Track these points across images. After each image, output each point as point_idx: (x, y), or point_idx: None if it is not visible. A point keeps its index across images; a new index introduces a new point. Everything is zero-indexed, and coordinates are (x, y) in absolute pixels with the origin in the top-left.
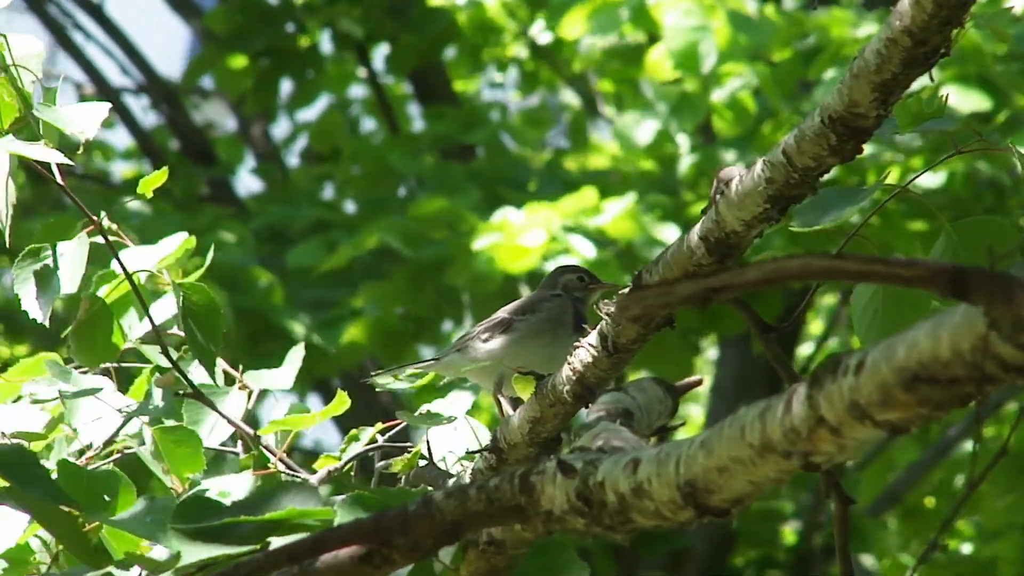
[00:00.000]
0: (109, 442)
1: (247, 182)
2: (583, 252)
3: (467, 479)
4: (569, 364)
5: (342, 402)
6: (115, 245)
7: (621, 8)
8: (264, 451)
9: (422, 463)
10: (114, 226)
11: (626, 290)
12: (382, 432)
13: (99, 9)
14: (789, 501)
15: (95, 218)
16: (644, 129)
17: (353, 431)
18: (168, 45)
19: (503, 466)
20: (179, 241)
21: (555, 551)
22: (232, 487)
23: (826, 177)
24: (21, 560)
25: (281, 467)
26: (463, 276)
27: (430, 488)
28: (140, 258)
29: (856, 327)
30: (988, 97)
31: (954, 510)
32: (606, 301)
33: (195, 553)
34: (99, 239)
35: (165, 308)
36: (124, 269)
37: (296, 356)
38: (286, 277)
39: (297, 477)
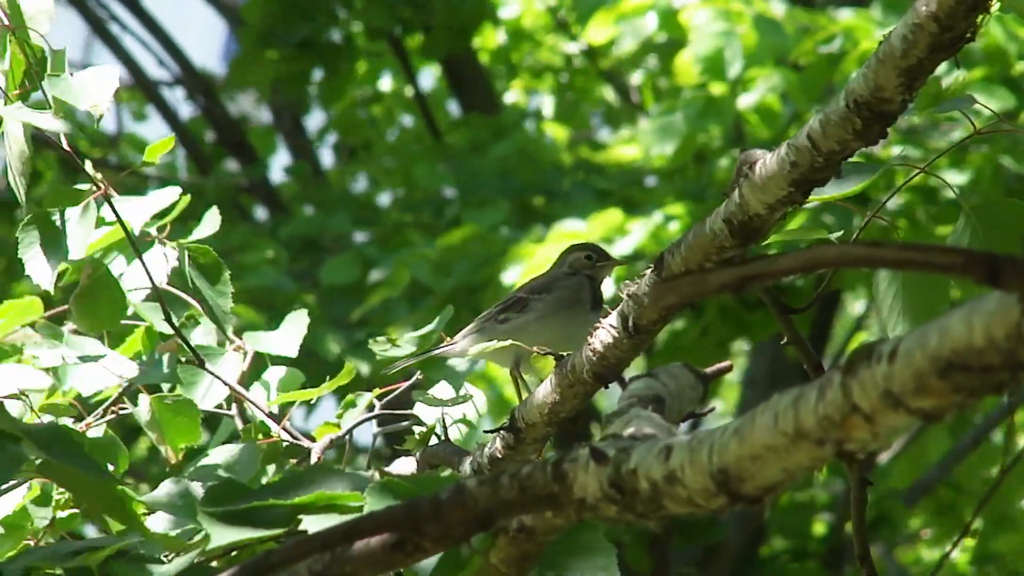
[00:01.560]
0: (108, 408)
1: (281, 168)
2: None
3: (483, 458)
4: (589, 345)
5: (349, 372)
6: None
7: (649, 13)
8: (266, 420)
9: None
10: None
11: (649, 271)
12: (379, 398)
13: (136, 1)
14: (823, 491)
15: (102, 184)
16: (670, 135)
17: (349, 396)
18: (204, 37)
19: (521, 445)
20: (173, 196)
21: (582, 532)
22: (235, 457)
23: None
24: (18, 526)
25: (284, 436)
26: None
27: (446, 467)
28: (137, 211)
29: (878, 309)
30: (1012, 96)
31: (984, 497)
32: (627, 282)
33: (224, 536)
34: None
35: (163, 266)
36: (124, 226)
37: (298, 320)
38: (319, 290)
39: (299, 444)
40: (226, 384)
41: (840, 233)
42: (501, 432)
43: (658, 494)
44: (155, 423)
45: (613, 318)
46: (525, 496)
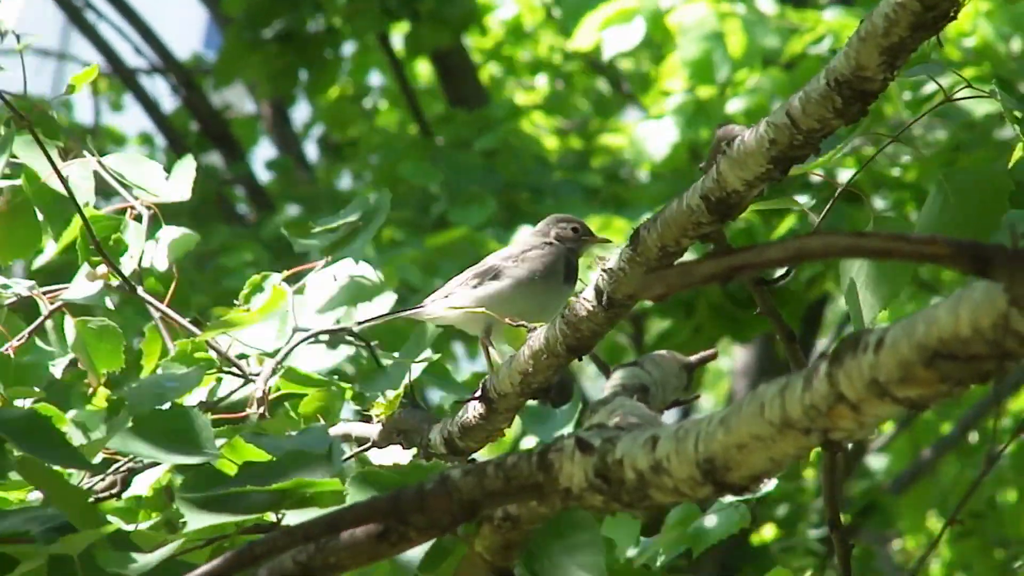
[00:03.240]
0: (34, 331)
1: (265, 163)
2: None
3: (453, 426)
4: (563, 317)
5: (280, 295)
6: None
7: (637, 17)
8: (209, 347)
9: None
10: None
11: (623, 245)
12: (288, 280)
13: None
14: (813, 481)
15: (23, 115)
16: (660, 140)
17: (255, 277)
18: (185, 24)
19: (493, 415)
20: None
21: (571, 515)
22: (181, 381)
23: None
24: None
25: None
26: None
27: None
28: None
29: (842, 283)
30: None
31: (972, 485)
32: (603, 256)
33: (201, 520)
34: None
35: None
36: (41, 145)
37: (186, 165)
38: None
39: (241, 373)
40: (158, 309)
41: (812, 203)
42: (472, 401)
43: (644, 484)
44: (80, 346)
45: (588, 291)
46: (510, 486)
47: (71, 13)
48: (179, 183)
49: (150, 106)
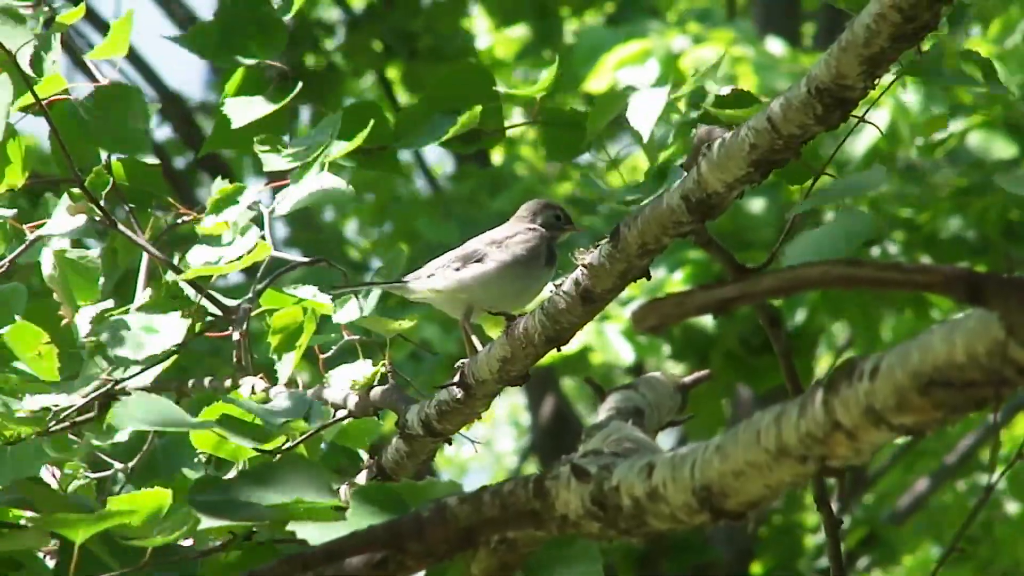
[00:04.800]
0: (12, 260)
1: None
2: (623, 356)
3: (431, 408)
4: (543, 309)
5: (265, 248)
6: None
7: (651, 59)
8: (186, 287)
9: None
10: None
11: (604, 241)
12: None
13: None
14: (812, 511)
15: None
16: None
17: (227, 188)
18: (185, 61)
19: (471, 400)
20: None
21: (567, 539)
22: (159, 325)
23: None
24: None
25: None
26: None
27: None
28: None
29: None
30: (1014, 143)
31: (972, 512)
32: (582, 250)
33: (213, 523)
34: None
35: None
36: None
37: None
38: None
39: (218, 314)
40: (140, 245)
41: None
42: (450, 387)
43: (641, 511)
44: (56, 279)
45: (568, 284)
46: (507, 513)
47: (72, 54)
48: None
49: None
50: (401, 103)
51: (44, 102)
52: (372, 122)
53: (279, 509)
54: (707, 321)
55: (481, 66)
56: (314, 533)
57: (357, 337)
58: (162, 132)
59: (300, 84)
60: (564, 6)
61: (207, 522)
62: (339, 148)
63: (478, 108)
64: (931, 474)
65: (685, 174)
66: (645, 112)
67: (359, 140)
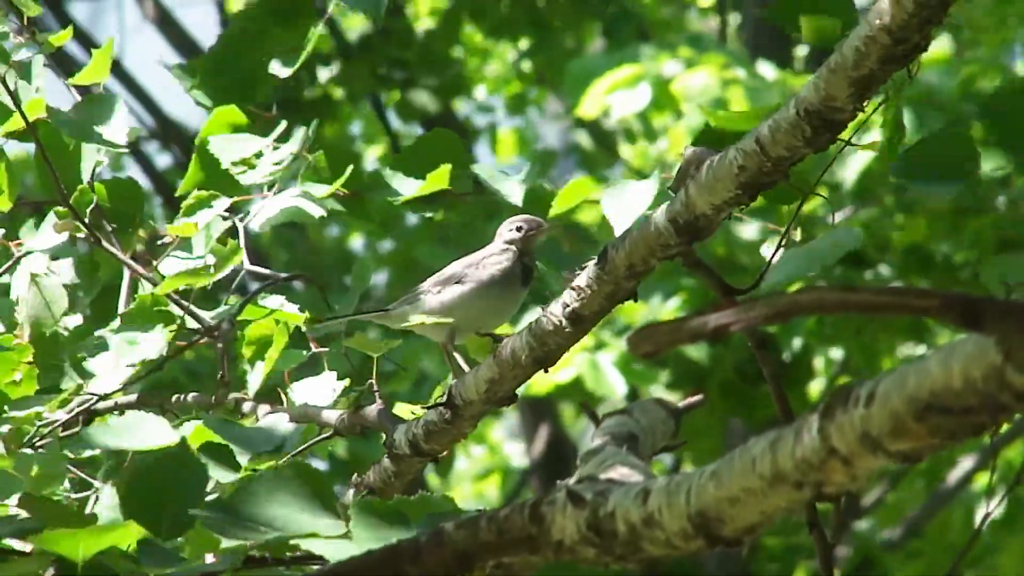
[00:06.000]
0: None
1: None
2: (616, 388)
3: (419, 428)
4: (530, 330)
5: (237, 252)
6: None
7: (642, 83)
8: (169, 299)
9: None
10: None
11: (592, 263)
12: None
13: (116, 62)
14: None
15: None
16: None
17: (201, 193)
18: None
19: (458, 420)
20: None
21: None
22: (141, 341)
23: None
24: None
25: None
26: None
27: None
28: None
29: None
30: (1006, 159)
31: (970, 540)
32: (569, 272)
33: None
34: None
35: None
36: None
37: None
38: None
39: (201, 326)
40: (121, 260)
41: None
42: (438, 408)
43: (636, 536)
44: (28, 300)
45: (556, 306)
46: (503, 539)
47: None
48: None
49: (148, 167)
50: (395, 129)
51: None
52: (350, 168)
53: (287, 525)
54: (701, 352)
55: (453, 134)
56: (328, 549)
57: (326, 349)
58: (163, 160)
59: (284, 123)
60: (556, 19)
61: (226, 542)
62: (319, 190)
63: (445, 169)
64: (927, 498)
65: (673, 196)
66: (625, 210)
67: (337, 185)
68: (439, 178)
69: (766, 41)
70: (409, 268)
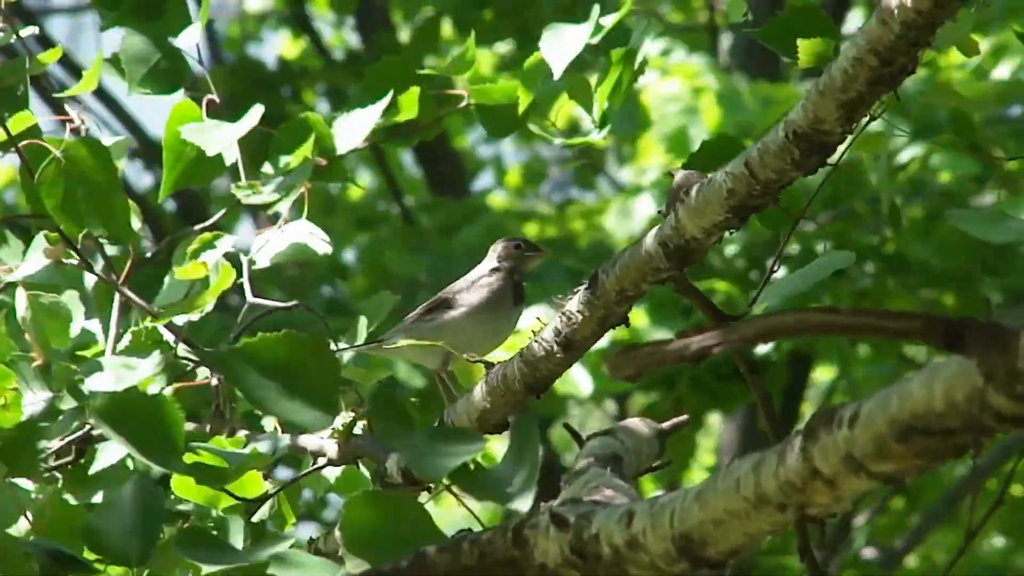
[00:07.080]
0: None
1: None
2: (582, 387)
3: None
4: (522, 356)
5: (228, 273)
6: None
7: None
8: (165, 331)
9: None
10: None
11: (582, 288)
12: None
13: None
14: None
15: None
16: (638, 212)
17: (205, 235)
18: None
19: None
20: None
21: None
22: (138, 366)
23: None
24: None
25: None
26: None
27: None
28: None
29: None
30: (976, 164)
31: (953, 559)
32: (560, 297)
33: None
34: None
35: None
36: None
37: None
38: None
39: (197, 356)
40: (117, 288)
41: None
42: None
43: (620, 559)
44: (29, 321)
45: (547, 332)
46: (485, 562)
47: (52, 104)
48: None
49: (127, 188)
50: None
51: (20, 144)
52: (313, 136)
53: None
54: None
55: (403, 59)
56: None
57: None
58: (146, 180)
59: (262, 107)
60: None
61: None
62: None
63: (414, 92)
64: (922, 516)
65: (664, 220)
66: (561, 49)
67: (305, 150)
68: (408, 104)
69: (756, 54)
70: (381, 276)
